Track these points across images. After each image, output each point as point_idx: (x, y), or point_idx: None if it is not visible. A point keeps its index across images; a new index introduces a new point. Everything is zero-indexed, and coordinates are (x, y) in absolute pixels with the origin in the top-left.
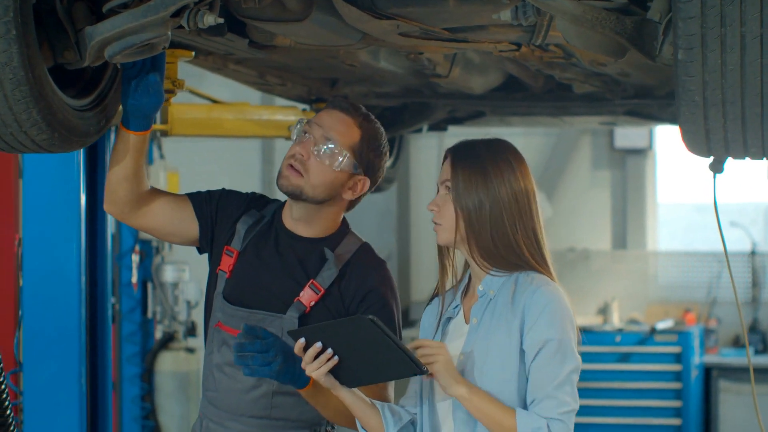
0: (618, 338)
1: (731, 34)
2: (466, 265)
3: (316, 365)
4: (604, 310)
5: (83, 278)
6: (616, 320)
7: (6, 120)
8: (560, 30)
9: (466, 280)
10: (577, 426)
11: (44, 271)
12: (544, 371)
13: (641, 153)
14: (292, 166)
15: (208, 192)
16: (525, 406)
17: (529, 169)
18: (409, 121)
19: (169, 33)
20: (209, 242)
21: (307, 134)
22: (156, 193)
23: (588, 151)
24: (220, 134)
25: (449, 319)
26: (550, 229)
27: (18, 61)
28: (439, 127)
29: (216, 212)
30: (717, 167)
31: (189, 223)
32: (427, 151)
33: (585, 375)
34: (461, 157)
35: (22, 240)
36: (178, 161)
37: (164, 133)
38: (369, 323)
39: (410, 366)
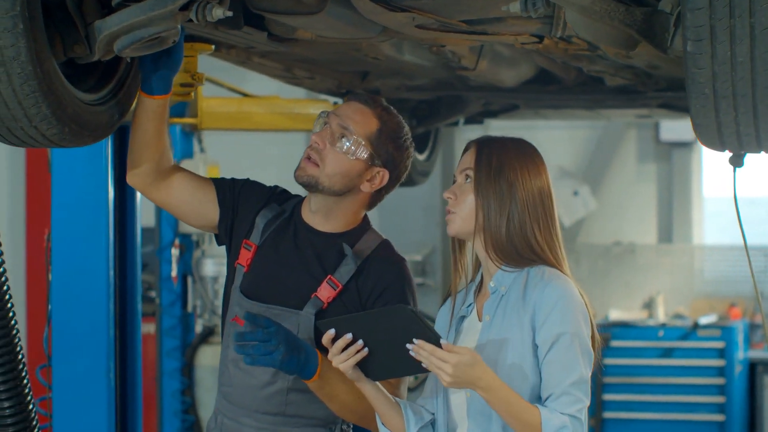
0: (661, 333)
1: (740, 25)
2: (478, 264)
3: (344, 356)
4: (649, 305)
5: (111, 273)
6: (661, 315)
7: (16, 115)
8: (570, 21)
9: (478, 279)
10: (619, 421)
11: (73, 266)
12: (558, 365)
13: (687, 146)
14: (309, 157)
15: (233, 180)
16: (539, 402)
17: (546, 167)
18: (445, 114)
19: (179, 26)
20: (228, 231)
21: (326, 125)
22: (180, 170)
23: (633, 145)
24: (250, 128)
25: (463, 317)
26: (595, 223)
27: (26, 56)
28: (474, 120)
29: (238, 201)
30: (736, 161)
31: (210, 207)
32: None
33: (627, 370)
34: (488, 148)
35: (51, 235)
36: (218, 155)
37: (194, 127)
38: (409, 313)
39: None
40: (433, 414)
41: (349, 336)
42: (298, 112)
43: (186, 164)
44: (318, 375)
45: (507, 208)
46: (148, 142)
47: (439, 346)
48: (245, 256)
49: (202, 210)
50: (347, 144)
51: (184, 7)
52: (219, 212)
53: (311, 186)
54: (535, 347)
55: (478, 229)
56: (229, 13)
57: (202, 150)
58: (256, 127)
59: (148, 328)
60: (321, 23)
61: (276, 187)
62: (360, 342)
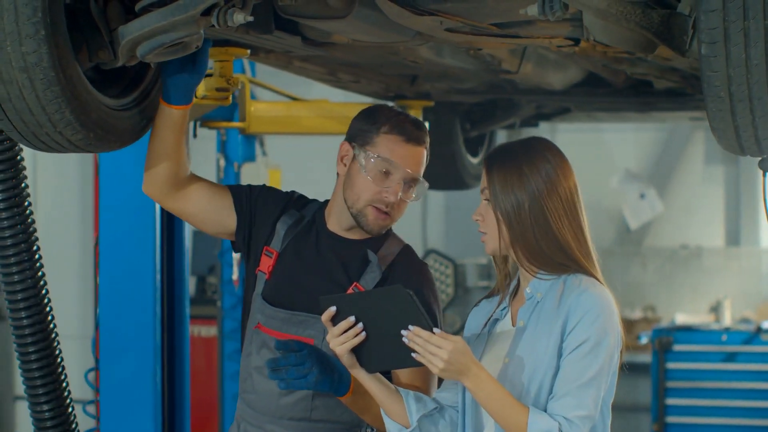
0: (724, 337)
1: (755, 27)
2: (516, 267)
3: (343, 339)
4: (716, 309)
5: (158, 276)
6: (727, 319)
7: (40, 120)
8: (587, 24)
9: (515, 282)
10: (683, 426)
11: (120, 269)
12: (571, 368)
13: None
14: (381, 210)
15: (249, 187)
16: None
17: (570, 165)
18: (500, 117)
19: (202, 31)
20: (246, 239)
21: (388, 174)
22: (196, 178)
23: (701, 147)
24: (298, 132)
25: (496, 321)
26: (661, 226)
27: (48, 62)
28: (529, 123)
29: (255, 208)
30: (766, 165)
31: (227, 215)
32: None
33: (691, 374)
34: (495, 161)
35: (99, 238)
36: (280, 158)
37: (242, 131)
38: (407, 295)
39: None
40: (445, 405)
41: (351, 318)
42: (348, 116)
43: (248, 168)
44: (351, 391)
45: (526, 214)
46: (167, 153)
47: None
48: (266, 263)
49: (218, 218)
50: (417, 190)
51: (206, 13)
52: (236, 220)
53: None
54: (560, 354)
55: (507, 244)
56: (250, 18)
57: (264, 153)
58: (304, 131)
59: (210, 330)
60: (350, 27)
61: (293, 192)
62: (360, 325)
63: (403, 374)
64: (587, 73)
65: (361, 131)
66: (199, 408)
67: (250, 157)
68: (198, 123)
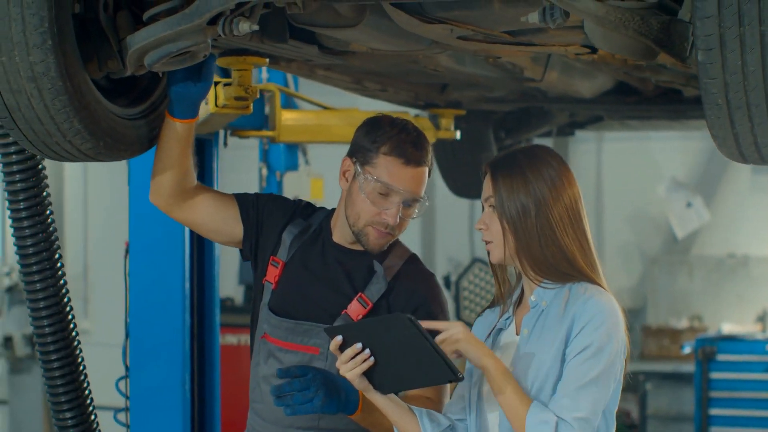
0: None
1: (750, 33)
2: (519, 276)
3: (351, 365)
4: (763, 318)
5: (187, 285)
6: None
7: (49, 129)
8: (587, 32)
9: (518, 291)
10: None
11: (149, 277)
12: (572, 371)
13: None
14: (383, 229)
15: (256, 195)
16: None
17: (572, 174)
18: (534, 125)
19: (209, 41)
20: (253, 248)
21: (388, 197)
22: (202, 188)
23: None
24: (328, 140)
25: (500, 330)
26: (708, 234)
27: (55, 71)
28: (564, 132)
29: (261, 217)
30: None
31: (233, 224)
32: (585, 156)
33: (734, 384)
34: (499, 168)
35: (129, 246)
36: (323, 167)
37: (272, 140)
38: (407, 322)
39: (446, 371)
40: (456, 420)
41: (358, 345)
42: None
43: (290, 177)
44: (360, 409)
45: (532, 221)
46: (172, 165)
47: (441, 356)
48: (273, 273)
49: (225, 227)
50: (417, 209)
51: (213, 22)
52: (243, 229)
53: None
54: (563, 360)
55: (512, 253)
56: (255, 27)
57: (306, 162)
58: (335, 140)
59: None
60: (362, 35)
61: (300, 200)
62: (367, 351)
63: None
64: (617, 81)
65: (361, 149)
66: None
67: (293, 166)
68: (228, 132)
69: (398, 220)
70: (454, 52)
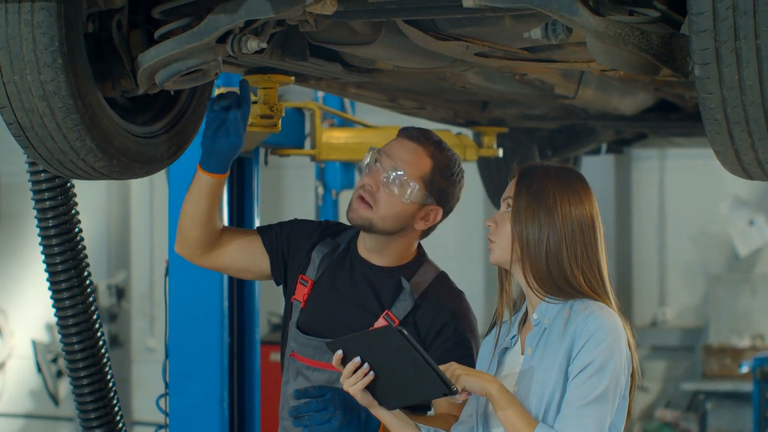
0: None
1: (746, 47)
2: (523, 295)
3: (353, 380)
4: None
5: (225, 303)
6: None
7: (63, 147)
8: (588, 47)
9: (523, 310)
10: None
11: (189, 295)
12: (578, 390)
13: None
14: (361, 197)
15: (279, 224)
16: None
17: (595, 200)
18: (580, 143)
19: (220, 59)
20: (282, 272)
21: (377, 163)
22: (225, 232)
23: None
24: None
25: (506, 349)
26: None
27: (66, 90)
28: (613, 149)
29: (288, 244)
30: None
31: (260, 259)
32: (647, 174)
33: None
34: (528, 178)
35: (169, 265)
36: None
37: (313, 158)
38: (396, 334)
39: (439, 385)
40: None
41: (357, 360)
42: None
43: (346, 196)
44: (382, 429)
45: (545, 238)
46: (201, 220)
47: (433, 368)
48: (301, 292)
49: (252, 265)
50: (401, 187)
51: (222, 40)
52: (269, 260)
53: (365, 228)
54: (566, 379)
55: (516, 259)
56: (264, 45)
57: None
58: None
59: None
60: (381, 52)
61: (327, 221)
62: (366, 366)
63: (441, 406)
64: (658, 98)
65: None
66: None
67: (349, 185)
68: (269, 150)
69: (376, 185)
70: (482, 70)
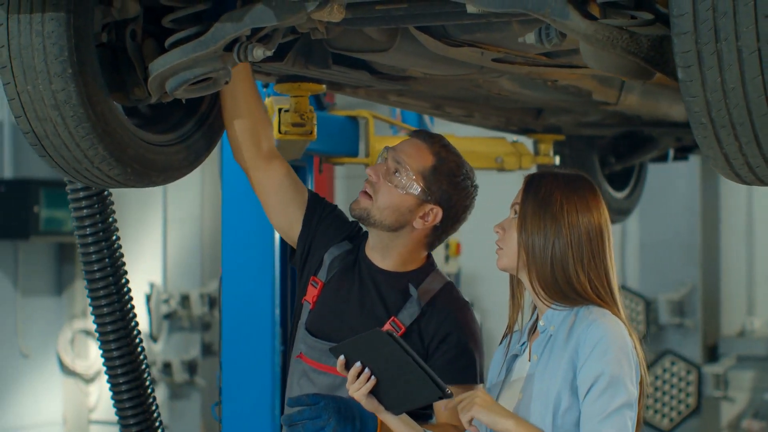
0: None
1: (727, 49)
2: (534, 305)
3: (357, 386)
4: None
5: (277, 311)
6: None
7: (77, 156)
8: (581, 51)
9: (534, 317)
10: None
11: (240, 304)
12: (594, 406)
13: None
14: (364, 190)
15: (324, 202)
16: None
17: (605, 207)
18: (641, 150)
19: (228, 67)
20: (304, 256)
21: (385, 159)
22: (283, 160)
23: None
24: None
25: (515, 356)
26: None
27: (77, 99)
28: (678, 156)
29: (319, 228)
30: None
31: (295, 213)
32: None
33: None
34: (536, 185)
35: (222, 275)
36: None
37: (366, 167)
38: (386, 337)
39: (433, 389)
40: None
41: (358, 365)
42: (473, 150)
43: None
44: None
45: (550, 245)
46: (240, 109)
47: (425, 371)
48: (312, 293)
49: (287, 210)
50: (399, 178)
51: (230, 48)
52: (301, 229)
53: (363, 219)
54: (572, 389)
55: (522, 265)
56: (269, 53)
57: None
58: None
59: None
60: (399, 59)
61: (358, 224)
62: (367, 370)
63: (442, 415)
64: None
65: None
66: None
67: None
68: (322, 159)
69: (378, 178)
70: (515, 77)
